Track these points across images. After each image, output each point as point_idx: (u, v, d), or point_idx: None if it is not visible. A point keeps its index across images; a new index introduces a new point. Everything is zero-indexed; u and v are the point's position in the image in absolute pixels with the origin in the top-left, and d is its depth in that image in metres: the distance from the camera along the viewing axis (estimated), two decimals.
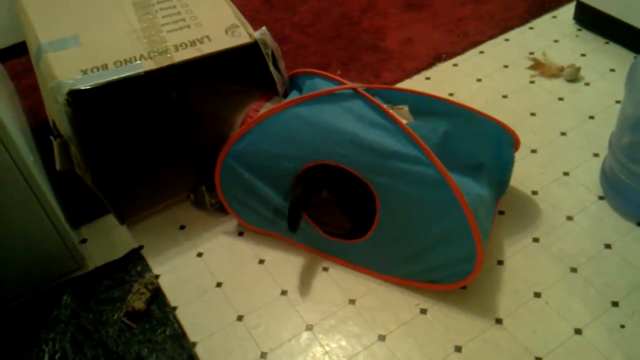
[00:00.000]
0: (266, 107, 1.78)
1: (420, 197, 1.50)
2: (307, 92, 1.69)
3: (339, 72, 2.40)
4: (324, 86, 1.67)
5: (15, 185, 1.49)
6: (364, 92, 1.59)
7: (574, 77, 2.26)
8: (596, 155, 1.97)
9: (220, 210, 1.86)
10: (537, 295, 1.60)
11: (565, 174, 1.92)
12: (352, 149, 1.53)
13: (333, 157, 1.55)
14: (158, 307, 1.65)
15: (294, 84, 1.83)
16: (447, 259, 1.55)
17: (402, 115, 1.57)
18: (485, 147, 1.70)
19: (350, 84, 1.61)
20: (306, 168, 1.60)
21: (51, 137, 1.62)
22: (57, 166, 1.65)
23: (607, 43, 2.43)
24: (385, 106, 1.56)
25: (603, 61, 2.34)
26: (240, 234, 1.82)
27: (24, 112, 2.18)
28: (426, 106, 1.64)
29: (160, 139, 2.11)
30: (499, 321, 1.55)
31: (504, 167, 1.75)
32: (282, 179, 1.65)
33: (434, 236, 1.54)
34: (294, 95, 1.75)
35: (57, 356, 1.56)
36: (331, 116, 1.58)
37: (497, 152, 1.71)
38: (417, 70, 2.39)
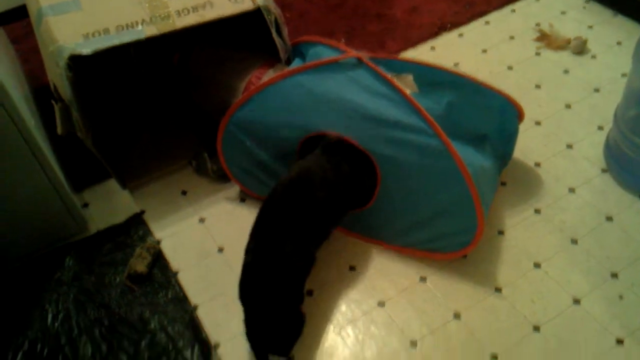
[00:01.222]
0: (269, 74, 1.77)
1: (423, 168, 1.50)
2: (311, 60, 1.68)
3: (343, 41, 2.38)
4: (328, 54, 1.66)
5: (17, 149, 1.49)
6: (368, 61, 1.57)
7: (580, 49, 2.24)
8: (601, 128, 1.96)
9: (222, 177, 1.86)
10: (537, 265, 1.61)
11: (569, 146, 1.91)
12: (353, 119, 1.52)
13: (334, 127, 1.54)
14: (160, 271, 1.66)
15: (297, 51, 1.81)
16: (448, 228, 1.56)
17: (406, 84, 1.56)
18: (490, 119, 1.69)
19: (354, 52, 1.60)
20: (307, 138, 1.59)
21: (52, 101, 1.61)
22: (59, 130, 1.64)
23: (615, 15, 2.40)
24: (389, 76, 1.55)
25: (610, 34, 2.32)
26: (242, 200, 1.83)
27: (24, 76, 2.17)
28: (431, 76, 1.64)
29: (162, 105, 2.10)
30: (498, 290, 1.56)
31: (508, 139, 1.75)
32: (283, 148, 1.65)
33: (435, 206, 1.54)
34: (297, 64, 1.73)
35: (60, 316, 1.57)
36: (334, 85, 1.57)
37: (501, 124, 1.70)
38: (422, 40, 2.37)
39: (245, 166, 1.75)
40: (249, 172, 1.75)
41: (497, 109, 1.69)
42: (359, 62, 1.58)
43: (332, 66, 1.60)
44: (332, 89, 1.56)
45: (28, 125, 1.48)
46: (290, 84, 1.60)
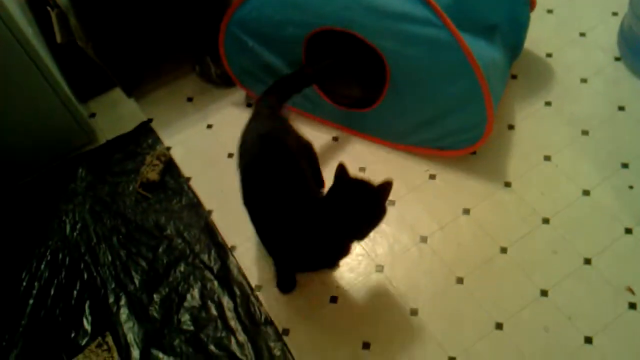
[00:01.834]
0: None
1: (431, 61, 1.46)
2: None
3: None
4: None
5: (16, 58, 1.46)
6: None
7: None
8: (615, 14, 1.89)
9: (226, 81, 1.83)
10: (547, 158, 1.61)
11: (582, 34, 1.85)
12: (359, 12, 1.45)
13: (340, 22, 1.48)
14: (172, 178, 1.68)
15: None
16: (457, 124, 1.54)
17: None
18: (500, 8, 1.61)
19: None
20: (313, 34, 1.54)
21: (48, 8, 1.56)
22: (58, 38, 1.60)
23: None
24: None
25: None
26: (249, 105, 1.81)
27: None
28: None
29: (163, 9, 2.03)
30: (507, 184, 1.57)
31: (519, 29, 1.68)
32: (288, 47, 1.60)
33: (445, 101, 1.51)
34: None
35: (78, 226, 1.61)
36: None
37: (511, 13, 1.63)
38: None
39: (249, 68, 1.71)
40: (253, 74, 1.72)
41: None
42: None
43: None
44: None
45: (26, 33, 1.45)
46: None
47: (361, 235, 1.21)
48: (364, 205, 1.16)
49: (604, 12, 1.89)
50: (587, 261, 1.43)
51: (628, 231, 1.46)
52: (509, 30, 1.65)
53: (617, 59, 1.78)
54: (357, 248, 1.50)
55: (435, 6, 1.40)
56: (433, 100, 1.53)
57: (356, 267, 1.47)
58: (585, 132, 1.64)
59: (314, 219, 1.19)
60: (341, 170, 1.18)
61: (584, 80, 1.75)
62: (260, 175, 1.27)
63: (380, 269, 1.46)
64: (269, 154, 1.29)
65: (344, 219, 1.16)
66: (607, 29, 1.85)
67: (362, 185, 1.17)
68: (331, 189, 1.19)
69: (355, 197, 1.16)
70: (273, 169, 1.26)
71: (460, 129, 1.56)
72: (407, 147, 1.65)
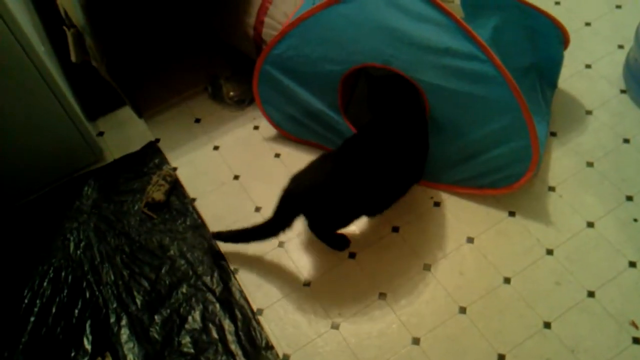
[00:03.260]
0: None
1: (475, 96, 1.41)
2: None
3: None
4: None
5: (28, 76, 1.47)
6: None
7: None
8: (621, 47, 1.90)
9: (239, 103, 1.85)
10: (552, 189, 1.61)
11: (588, 66, 1.87)
12: (399, 48, 1.42)
13: (379, 58, 1.45)
14: (177, 198, 1.69)
15: None
16: (499, 161, 1.51)
17: (453, 9, 1.44)
18: (536, 45, 1.61)
19: None
20: (351, 71, 1.51)
21: (64, 28, 1.58)
22: (72, 58, 1.62)
23: None
24: None
25: None
26: (256, 128, 1.82)
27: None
28: None
29: (176, 30, 2.06)
30: (511, 214, 1.57)
31: (554, 67, 1.69)
32: (325, 84, 1.57)
33: (487, 137, 1.47)
34: None
35: (82, 245, 1.61)
36: (376, 13, 1.44)
37: (547, 52, 1.63)
38: None
39: (282, 106, 1.69)
40: (285, 112, 1.70)
41: (543, 34, 1.61)
42: None
43: None
44: (374, 17, 1.44)
45: (38, 51, 1.46)
46: (329, 16, 1.48)
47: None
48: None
49: (609, 44, 1.91)
50: (591, 294, 1.42)
51: (632, 264, 1.46)
52: (545, 69, 1.66)
53: (622, 91, 1.79)
54: (358, 274, 1.50)
55: (480, 41, 1.36)
56: (474, 136, 1.49)
57: (357, 290, 1.47)
58: (590, 164, 1.65)
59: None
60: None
61: (589, 112, 1.76)
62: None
63: (383, 297, 1.46)
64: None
65: None
66: (613, 62, 1.86)
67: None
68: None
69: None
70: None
71: (502, 166, 1.52)
72: (444, 186, 1.63)
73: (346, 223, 1.50)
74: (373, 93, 1.51)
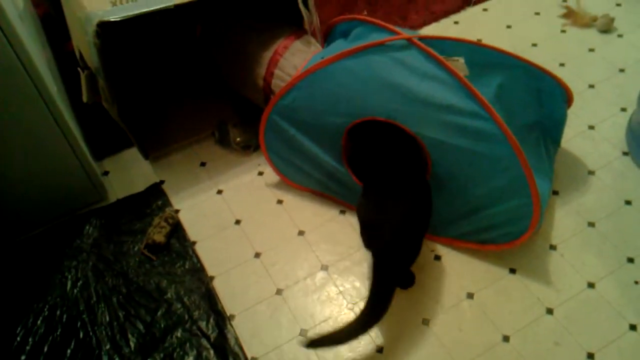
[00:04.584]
0: (295, 45, 1.74)
1: (477, 153, 1.43)
2: (356, 41, 1.60)
3: (365, 12, 2.35)
4: (374, 35, 1.56)
5: (39, 115, 1.50)
6: (419, 42, 1.46)
7: (607, 27, 2.19)
8: (624, 110, 1.93)
9: (245, 149, 1.87)
10: (553, 247, 1.60)
11: (591, 127, 1.89)
12: (404, 103, 1.44)
13: (383, 113, 1.47)
14: (178, 241, 1.69)
15: (339, 31, 1.73)
16: (500, 217, 1.51)
17: (458, 67, 1.47)
18: (540, 103, 1.64)
19: (404, 34, 1.48)
20: (355, 124, 1.53)
21: (78, 69, 1.61)
22: (84, 98, 1.65)
23: None
24: (441, 57, 1.44)
25: (639, 12, 2.27)
26: (260, 174, 1.84)
27: (47, 40, 2.17)
28: (481, 57, 1.53)
29: (185, 76, 2.10)
30: (512, 271, 1.56)
31: (558, 126, 1.71)
32: (329, 135, 1.59)
33: (488, 194, 1.48)
34: (340, 44, 1.64)
35: (79, 283, 1.61)
36: (383, 69, 1.47)
37: (551, 111, 1.66)
38: (446, 14, 2.33)
39: (287, 156, 1.71)
40: (290, 161, 1.72)
41: (547, 93, 1.63)
42: (409, 43, 1.47)
43: (380, 49, 1.49)
44: (380, 74, 1.47)
45: (50, 91, 1.49)
46: (336, 70, 1.51)
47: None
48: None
49: (612, 107, 1.94)
50: (590, 355, 1.40)
51: (632, 327, 1.44)
52: (549, 127, 1.68)
53: (625, 153, 1.81)
54: None
55: (482, 99, 1.38)
56: (476, 192, 1.50)
57: (356, 346, 1.45)
58: (591, 224, 1.65)
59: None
60: None
61: (592, 172, 1.77)
62: None
63: (380, 349, 1.44)
64: None
65: None
66: (615, 124, 1.88)
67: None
68: None
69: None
70: None
71: (503, 223, 1.52)
72: (446, 240, 1.63)
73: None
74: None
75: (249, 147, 1.87)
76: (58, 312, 1.55)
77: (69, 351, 1.47)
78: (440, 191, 1.53)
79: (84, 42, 1.53)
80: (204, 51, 2.00)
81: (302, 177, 1.74)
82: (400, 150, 1.52)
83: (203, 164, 1.88)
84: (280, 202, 1.76)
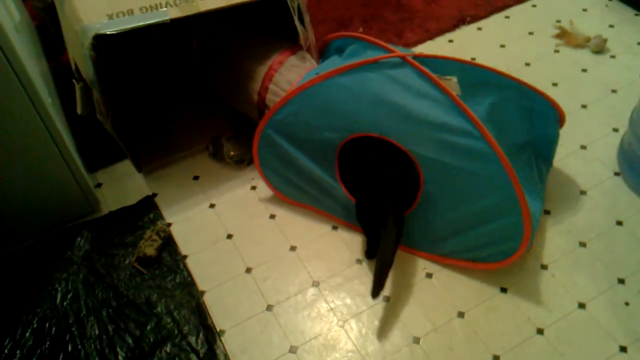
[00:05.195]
0: (290, 60, 1.75)
1: (469, 171, 1.44)
2: (350, 58, 1.62)
3: (361, 30, 2.36)
4: (369, 53, 1.58)
5: (33, 126, 1.50)
6: (413, 60, 1.49)
7: (600, 48, 2.22)
8: (616, 130, 1.94)
9: (238, 163, 1.87)
10: (544, 267, 1.61)
11: (583, 147, 1.90)
12: (397, 120, 1.46)
13: (376, 129, 1.49)
14: (169, 255, 1.68)
15: (334, 47, 1.76)
16: (492, 236, 1.52)
17: (451, 86, 1.48)
18: (532, 123, 1.65)
19: (399, 52, 1.51)
20: (348, 139, 1.55)
21: (73, 81, 1.62)
22: (79, 110, 1.65)
23: (637, 15, 2.37)
24: (434, 76, 1.46)
25: (631, 33, 2.29)
26: (253, 188, 1.84)
27: (43, 52, 2.18)
28: (474, 77, 1.55)
29: (180, 89, 2.11)
30: (503, 290, 1.56)
31: (550, 145, 1.72)
32: (323, 151, 1.60)
33: (479, 212, 1.49)
34: (334, 60, 1.66)
35: (69, 296, 1.60)
36: (377, 87, 1.49)
37: (543, 131, 1.67)
38: (440, 32, 2.35)
39: (280, 170, 1.71)
40: (284, 176, 1.72)
41: (539, 113, 1.64)
42: (403, 61, 1.50)
43: (374, 66, 1.51)
44: (375, 91, 1.49)
45: (44, 102, 1.49)
46: (331, 86, 1.53)
47: None
48: None
49: (604, 127, 1.95)
50: None
51: (623, 349, 1.44)
52: (541, 146, 1.69)
53: (616, 173, 1.82)
54: (347, 344, 1.48)
55: (474, 118, 1.39)
56: (467, 210, 1.50)
57: (344, 354, 1.45)
58: (582, 244, 1.65)
59: None
60: None
61: (583, 192, 1.78)
62: None
63: None
64: None
65: None
66: (607, 144, 1.90)
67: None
68: None
69: None
70: None
71: (494, 242, 1.53)
72: (437, 257, 1.63)
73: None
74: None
75: (243, 161, 1.87)
76: (47, 325, 1.53)
77: None
78: (432, 208, 1.53)
79: (79, 54, 1.53)
80: (199, 65, 2.01)
81: (295, 192, 1.74)
82: (390, 170, 1.53)
83: (196, 178, 1.88)
84: (272, 216, 1.76)
